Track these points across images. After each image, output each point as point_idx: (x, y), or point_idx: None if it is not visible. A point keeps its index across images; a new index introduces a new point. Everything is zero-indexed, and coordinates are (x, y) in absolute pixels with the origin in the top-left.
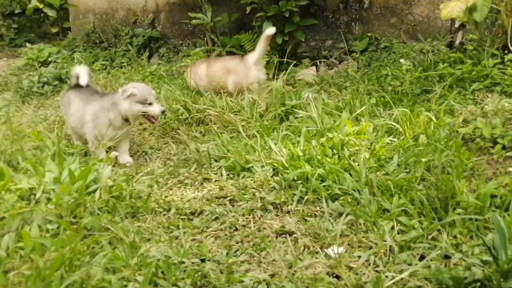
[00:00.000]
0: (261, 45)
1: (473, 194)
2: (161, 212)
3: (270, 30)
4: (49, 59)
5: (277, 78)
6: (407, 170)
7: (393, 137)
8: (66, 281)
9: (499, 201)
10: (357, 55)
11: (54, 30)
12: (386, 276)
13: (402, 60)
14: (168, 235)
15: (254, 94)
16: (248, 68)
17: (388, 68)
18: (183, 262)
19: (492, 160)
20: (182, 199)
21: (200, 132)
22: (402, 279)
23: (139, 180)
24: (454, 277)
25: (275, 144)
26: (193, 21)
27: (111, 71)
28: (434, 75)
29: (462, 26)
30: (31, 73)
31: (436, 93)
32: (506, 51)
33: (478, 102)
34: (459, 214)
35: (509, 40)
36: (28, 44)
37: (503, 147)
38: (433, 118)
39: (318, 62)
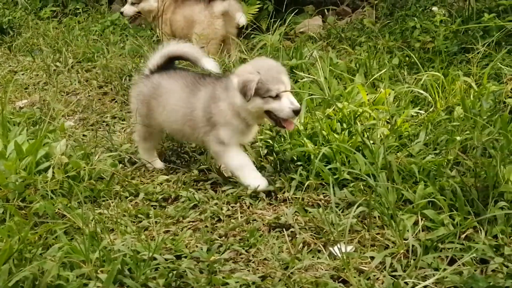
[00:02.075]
0: None
1: None
2: (127, 197)
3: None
4: None
5: (273, 31)
6: (436, 151)
7: (419, 109)
8: (16, 277)
9: None
10: (376, 1)
11: None
12: (406, 283)
13: (434, 8)
14: (136, 225)
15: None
16: (214, 17)
17: (416, 18)
18: (155, 259)
19: None
20: (152, 182)
21: None
22: (425, 287)
23: (100, 158)
24: (493, 287)
25: None
26: None
27: (63, 19)
28: (476, 28)
29: None
30: None
31: (478, 52)
32: None
33: None
34: (502, 208)
35: None
36: None
37: None
38: (473, 84)
39: (325, 10)
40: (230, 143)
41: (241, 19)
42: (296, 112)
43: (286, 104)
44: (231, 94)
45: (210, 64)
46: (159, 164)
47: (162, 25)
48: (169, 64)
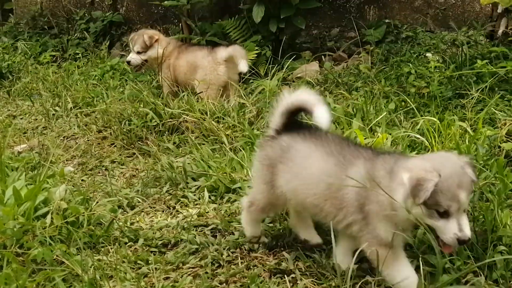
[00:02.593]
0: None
1: None
2: (126, 243)
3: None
4: None
5: (271, 76)
6: None
7: (417, 153)
8: None
9: None
10: (371, 48)
11: None
12: None
13: (429, 54)
14: (136, 272)
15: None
16: (217, 63)
17: (411, 64)
18: None
19: None
20: (152, 227)
21: (174, 143)
22: None
23: (99, 203)
24: None
25: None
26: (165, 2)
27: (62, 64)
28: (470, 74)
29: (507, 11)
30: None
31: (472, 98)
32: None
33: None
34: (501, 253)
35: None
36: None
37: None
38: (468, 129)
39: (322, 56)
40: (394, 244)
41: (243, 66)
42: (461, 242)
43: (452, 228)
44: (395, 185)
45: (322, 117)
46: (264, 239)
47: (165, 70)
48: (294, 120)
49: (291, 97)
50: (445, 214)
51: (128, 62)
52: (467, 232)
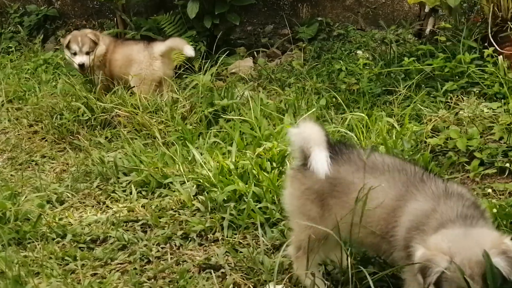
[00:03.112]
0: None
1: None
2: (54, 239)
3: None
4: None
5: (204, 71)
6: None
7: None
8: None
9: None
10: (304, 45)
11: None
12: None
13: (359, 52)
14: (63, 269)
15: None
16: (153, 58)
17: (341, 61)
18: None
19: (468, 178)
20: (81, 223)
21: (106, 138)
22: None
23: (27, 198)
24: None
25: (201, 154)
26: None
27: None
28: (398, 71)
29: (434, 11)
30: None
31: (400, 94)
32: (486, 44)
33: (451, 107)
34: None
35: (489, 31)
36: None
37: (481, 163)
38: (395, 125)
39: (255, 52)
40: None
41: (189, 50)
42: None
43: None
44: None
45: (318, 163)
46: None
47: (101, 66)
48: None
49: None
50: None
51: (82, 65)
52: None
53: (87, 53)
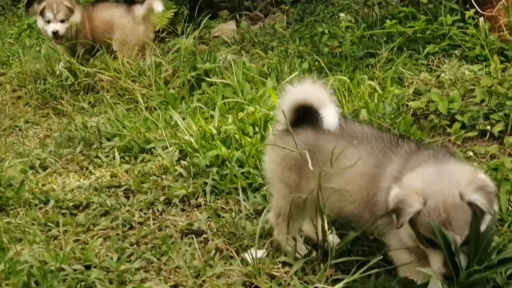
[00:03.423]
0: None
1: None
2: (36, 205)
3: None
4: None
5: (187, 35)
6: None
7: None
8: None
9: None
10: (286, 7)
11: None
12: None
13: (341, 15)
14: (45, 235)
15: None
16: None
17: (324, 24)
18: (63, 269)
19: (449, 141)
20: (63, 189)
21: (89, 103)
22: None
23: (10, 164)
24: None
25: (183, 119)
26: None
27: None
28: (380, 34)
29: None
30: None
31: (382, 57)
32: (467, 6)
33: (433, 69)
34: None
35: None
36: None
37: (462, 126)
38: (377, 88)
39: (238, 15)
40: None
41: (158, 6)
42: (445, 277)
43: (437, 261)
44: None
45: (329, 118)
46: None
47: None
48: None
49: (299, 94)
50: (432, 244)
51: (56, 33)
52: (451, 270)
53: (62, 21)
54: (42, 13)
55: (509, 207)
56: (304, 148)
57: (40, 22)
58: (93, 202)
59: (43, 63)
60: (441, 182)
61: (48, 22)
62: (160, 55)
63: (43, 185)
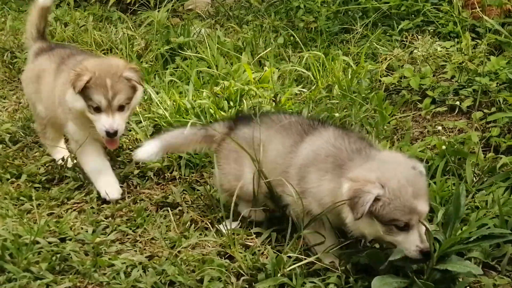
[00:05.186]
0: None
1: None
2: (8, 179)
3: None
4: None
5: (160, 7)
6: None
7: (302, 87)
8: None
9: (424, 166)
10: None
11: None
12: (289, 257)
13: None
14: (18, 209)
15: None
16: None
17: None
18: (38, 242)
19: (420, 116)
20: (36, 163)
21: None
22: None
23: None
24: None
25: (157, 93)
26: None
27: None
28: (355, 9)
29: None
30: None
31: (357, 33)
32: None
33: (406, 45)
34: None
35: None
36: None
37: (433, 101)
38: (351, 63)
39: None
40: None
41: None
42: (424, 254)
43: (414, 241)
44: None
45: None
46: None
47: None
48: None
49: None
50: (405, 228)
51: (115, 133)
52: (427, 242)
53: (121, 108)
54: (84, 93)
55: (474, 178)
56: (243, 142)
57: (78, 103)
58: (66, 176)
59: (9, 36)
60: (392, 168)
61: (98, 110)
62: (132, 28)
63: (15, 159)
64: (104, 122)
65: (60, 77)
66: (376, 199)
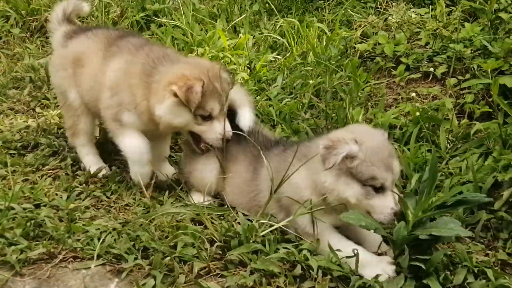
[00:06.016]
0: None
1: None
2: None
3: None
4: None
5: None
6: (292, 95)
7: (277, 54)
8: None
9: (398, 132)
10: None
11: None
12: (263, 223)
13: None
14: None
15: None
16: None
17: None
18: (12, 208)
19: (394, 83)
20: (11, 130)
21: (36, 46)
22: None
23: None
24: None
25: None
26: None
27: None
28: None
29: None
30: None
31: (332, 0)
32: None
33: (381, 12)
34: None
35: None
36: None
37: (407, 68)
38: (326, 30)
39: None
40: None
41: None
42: (396, 214)
43: (389, 203)
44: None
45: (244, 119)
46: None
47: None
48: None
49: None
50: (380, 189)
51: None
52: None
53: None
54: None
55: (448, 145)
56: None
57: (182, 118)
58: (41, 143)
59: None
60: (367, 132)
61: (208, 118)
62: None
63: None
64: (219, 129)
65: (112, 60)
66: (353, 157)
